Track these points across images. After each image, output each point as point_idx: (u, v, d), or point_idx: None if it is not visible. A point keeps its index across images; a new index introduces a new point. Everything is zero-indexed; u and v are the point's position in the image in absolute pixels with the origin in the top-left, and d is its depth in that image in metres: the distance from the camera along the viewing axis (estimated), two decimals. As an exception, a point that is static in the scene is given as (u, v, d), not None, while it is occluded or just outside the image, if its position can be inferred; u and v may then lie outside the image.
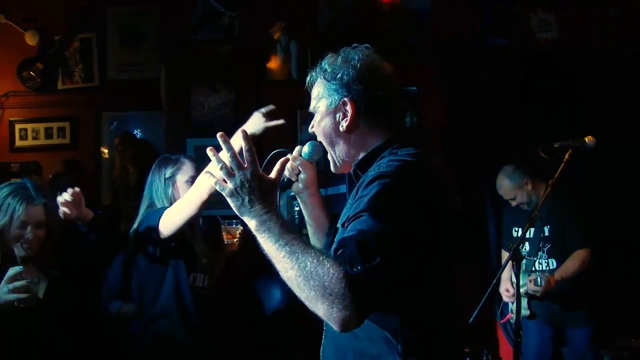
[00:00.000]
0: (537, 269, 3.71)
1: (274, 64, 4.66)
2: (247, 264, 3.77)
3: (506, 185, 3.75)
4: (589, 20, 4.95)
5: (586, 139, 2.81)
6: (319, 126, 1.74)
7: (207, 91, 4.53)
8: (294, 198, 2.00)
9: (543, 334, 3.79)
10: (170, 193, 2.89)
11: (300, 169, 1.91)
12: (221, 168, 1.49)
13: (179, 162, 2.96)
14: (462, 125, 4.69)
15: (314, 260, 1.38)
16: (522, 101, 4.79)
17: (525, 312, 3.60)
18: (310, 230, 2.01)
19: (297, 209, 2.17)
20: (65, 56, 5.15)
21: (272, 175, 1.55)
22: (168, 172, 2.92)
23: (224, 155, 1.51)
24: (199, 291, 2.89)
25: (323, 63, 1.74)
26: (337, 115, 1.70)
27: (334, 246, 1.47)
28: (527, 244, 3.71)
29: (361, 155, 1.71)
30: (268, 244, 1.45)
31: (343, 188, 3.76)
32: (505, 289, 3.75)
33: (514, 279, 3.64)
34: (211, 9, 4.41)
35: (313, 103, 1.76)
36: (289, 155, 1.80)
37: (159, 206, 2.86)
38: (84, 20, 5.14)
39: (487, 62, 4.82)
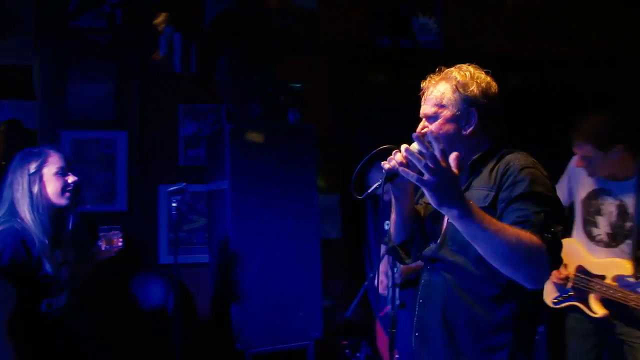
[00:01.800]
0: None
1: (156, 56, 4.53)
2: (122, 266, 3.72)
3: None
4: (468, 26, 5.20)
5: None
6: (441, 129, 2.03)
7: (85, 82, 4.32)
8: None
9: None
10: (36, 191, 2.72)
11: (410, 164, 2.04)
12: (425, 166, 1.67)
13: (44, 154, 2.79)
14: (345, 123, 4.79)
15: (516, 233, 1.72)
16: (407, 101, 4.94)
17: (396, 302, 3.71)
18: (397, 218, 2.20)
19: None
20: None
21: (455, 171, 1.75)
22: (32, 167, 2.74)
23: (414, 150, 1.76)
24: (60, 312, 2.78)
25: (453, 74, 2.06)
26: (461, 122, 2.03)
27: (512, 220, 1.81)
28: None
29: (475, 155, 2.07)
30: (472, 227, 1.72)
31: (225, 184, 3.74)
32: (380, 281, 3.86)
33: (389, 272, 3.77)
34: (91, -5, 4.24)
35: (433, 109, 2.05)
36: (403, 150, 1.93)
37: (20, 208, 2.70)
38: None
39: (372, 62, 4.94)
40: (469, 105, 2.03)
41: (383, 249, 4.12)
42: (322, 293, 3.94)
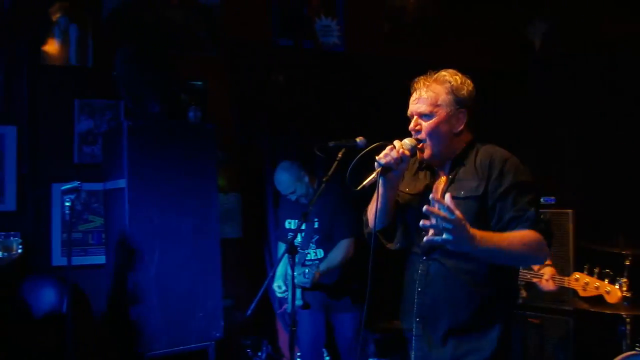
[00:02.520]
0: (308, 259, 3.92)
1: (50, 47, 4.32)
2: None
3: (285, 179, 3.89)
4: (367, 30, 5.34)
5: (357, 139, 2.98)
6: (436, 127, 2.27)
7: (-31, 72, 4.06)
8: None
9: (315, 322, 4.00)
10: None
11: (404, 159, 2.27)
12: (445, 229, 1.93)
13: None
14: (247, 123, 4.79)
15: (521, 239, 2.11)
16: (308, 101, 5.00)
17: (298, 302, 3.78)
18: (381, 207, 2.33)
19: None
20: None
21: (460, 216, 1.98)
22: None
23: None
24: None
25: (446, 78, 2.29)
26: (453, 122, 2.28)
27: (510, 214, 2.16)
28: (299, 236, 3.90)
29: (458, 149, 2.33)
30: (487, 252, 2.07)
31: (122, 182, 3.65)
32: (278, 285, 3.90)
33: (289, 271, 3.81)
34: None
35: (429, 108, 2.27)
36: (398, 145, 2.25)
37: None
38: None
39: (274, 62, 4.96)
40: (460, 107, 2.29)
41: (282, 246, 4.18)
42: (223, 293, 3.92)
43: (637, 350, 3.40)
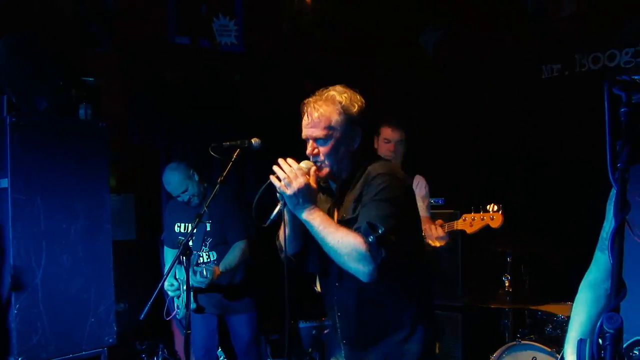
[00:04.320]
0: (200, 262, 3.87)
1: None
2: None
3: (175, 179, 3.82)
4: (267, 31, 5.35)
5: (252, 140, 2.99)
6: (333, 150, 2.25)
7: None
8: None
9: (208, 325, 3.98)
10: None
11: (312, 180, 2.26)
12: (283, 179, 2.13)
13: None
14: (141, 122, 4.66)
15: (346, 235, 2.10)
16: (204, 101, 4.95)
17: (192, 305, 3.71)
18: (290, 232, 2.34)
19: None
20: None
21: (314, 185, 2.18)
22: None
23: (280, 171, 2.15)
24: None
25: (336, 98, 2.24)
26: (349, 141, 2.27)
27: (357, 225, 2.13)
28: (191, 239, 3.83)
29: (352, 168, 2.32)
30: (314, 228, 2.14)
31: (5, 182, 3.44)
32: (170, 283, 3.82)
33: (178, 274, 3.75)
34: None
35: (324, 132, 2.22)
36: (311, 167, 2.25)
37: None
38: None
39: (169, 60, 4.86)
40: (354, 125, 2.26)
41: (169, 250, 4.10)
42: (115, 296, 3.79)
43: (517, 342, 3.62)
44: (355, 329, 2.34)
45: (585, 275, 2.07)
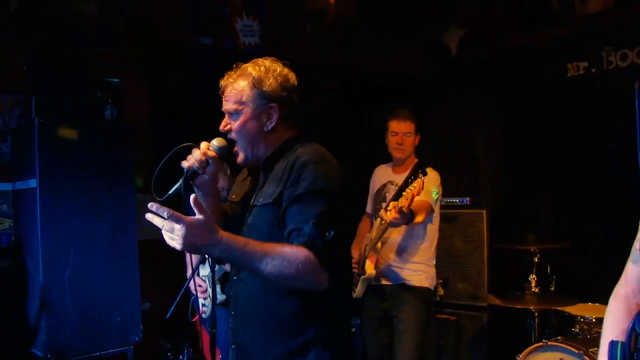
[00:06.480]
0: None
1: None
2: None
3: None
4: (290, 32, 5.35)
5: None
6: (243, 127, 2.02)
7: None
8: (188, 188, 2.01)
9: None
10: None
11: (210, 162, 2.02)
12: (165, 231, 1.75)
13: None
14: (165, 122, 4.69)
15: (280, 254, 1.77)
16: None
17: (221, 297, 3.68)
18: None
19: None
20: None
21: (199, 214, 1.73)
22: None
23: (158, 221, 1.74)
24: None
25: (248, 70, 2.02)
26: (263, 118, 2.02)
27: (292, 226, 1.85)
28: None
29: (270, 151, 2.06)
30: (237, 262, 1.87)
31: (33, 182, 3.48)
32: (198, 284, 3.83)
33: (202, 272, 3.76)
34: None
35: (234, 106, 2.02)
36: (204, 147, 2.01)
37: None
38: None
39: (192, 60, 4.88)
40: (268, 101, 2.02)
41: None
42: (141, 295, 3.82)
43: (543, 343, 3.58)
44: (243, 333, 2.08)
45: (616, 289, 1.95)
